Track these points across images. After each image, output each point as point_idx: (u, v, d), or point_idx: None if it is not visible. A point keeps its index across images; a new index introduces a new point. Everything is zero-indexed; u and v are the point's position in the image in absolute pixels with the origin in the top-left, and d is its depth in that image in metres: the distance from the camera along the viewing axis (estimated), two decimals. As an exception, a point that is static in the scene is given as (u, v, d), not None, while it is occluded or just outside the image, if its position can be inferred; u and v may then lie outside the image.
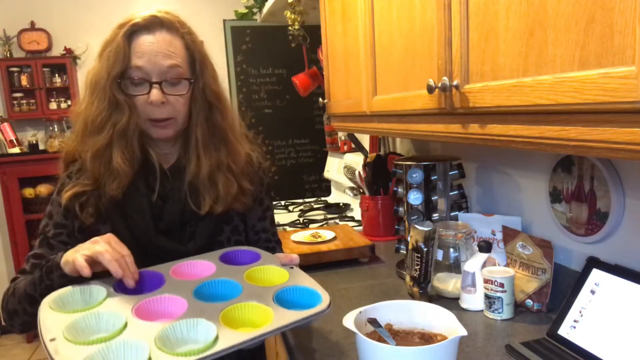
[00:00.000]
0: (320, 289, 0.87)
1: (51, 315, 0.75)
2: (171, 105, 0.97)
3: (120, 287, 0.85)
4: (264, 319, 0.78)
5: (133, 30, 0.94)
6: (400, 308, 0.98)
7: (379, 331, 0.91)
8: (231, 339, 0.72)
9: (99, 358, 0.68)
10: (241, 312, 0.80)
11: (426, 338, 0.94)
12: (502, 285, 1.13)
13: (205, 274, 0.92)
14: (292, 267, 0.95)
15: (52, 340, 0.70)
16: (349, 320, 0.89)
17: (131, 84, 0.95)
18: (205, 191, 1.03)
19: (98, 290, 0.83)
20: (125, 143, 0.97)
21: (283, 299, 0.85)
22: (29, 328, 0.94)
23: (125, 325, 0.75)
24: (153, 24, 0.95)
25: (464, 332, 0.83)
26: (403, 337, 0.95)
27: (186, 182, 1.03)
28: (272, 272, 0.93)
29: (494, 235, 1.35)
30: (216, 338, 0.72)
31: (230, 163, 1.06)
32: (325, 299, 0.84)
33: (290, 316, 0.79)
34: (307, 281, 0.90)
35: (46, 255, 0.95)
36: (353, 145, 2.31)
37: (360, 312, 0.92)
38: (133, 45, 0.94)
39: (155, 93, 0.94)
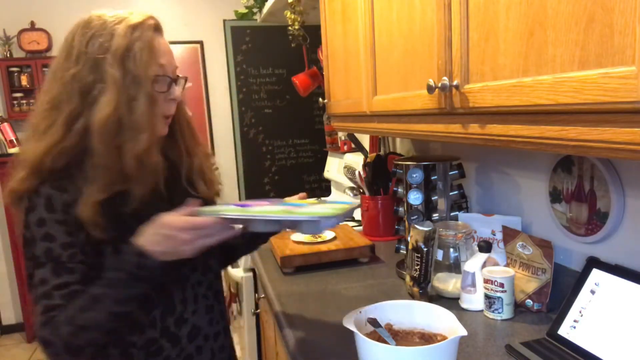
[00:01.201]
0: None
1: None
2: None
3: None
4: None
5: (154, 30, 0.97)
6: (400, 308, 0.98)
7: (379, 331, 0.91)
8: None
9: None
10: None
11: (426, 338, 0.94)
12: (502, 285, 1.13)
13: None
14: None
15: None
16: (349, 320, 0.89)
17: (156, 81, 0.96)
18: (199, 179, 1.08)
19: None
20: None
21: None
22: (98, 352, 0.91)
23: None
24: (160, 26, 1.00)
25: (464, 332, 0.83)
26: (403, 337, 0.95)
27: (183, 176, 1.06)
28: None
29: (494, 235, 1.35)
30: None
31: (206, 150, 1.13)
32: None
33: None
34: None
35: (72, 282, 0.87)
36: (353, 145, 2.31)
37: (360, 312, 0.92)
38: (156, 44, 0.96)
39: (178, 89, 0.99)
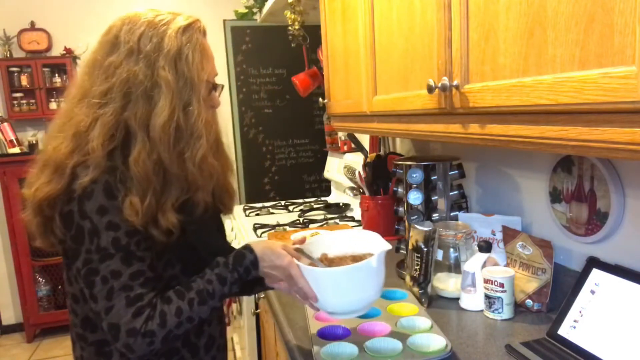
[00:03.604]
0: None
1: None
2: None
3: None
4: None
5: (203, 34, 0.95)
6: (333, 239, 1.08)
7: (313, 260, 1.00)
8: None
9: None
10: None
11: (357, 259, 1.01)
12: (502, 285, 1.13)
13: None
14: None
15: None
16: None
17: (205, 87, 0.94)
18: (224, 193, 1.06)
19: None
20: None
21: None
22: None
23: None
24: (206, 30, 0.97)
25: (387, 246, 0.95)
26: (337, 262, 1.02)
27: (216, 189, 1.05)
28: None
29: (494, 235, 1.35)
30: None
31: (232, 164, 1.11)
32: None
33: None
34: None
35: (144, 270, 0.85)
36: (353, 145, 2.30)
37: (297, 248, 1.01)
38: (206, 48, 0.94)
39: (218, 96, 0.99)
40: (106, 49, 0.89)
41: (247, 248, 0.95)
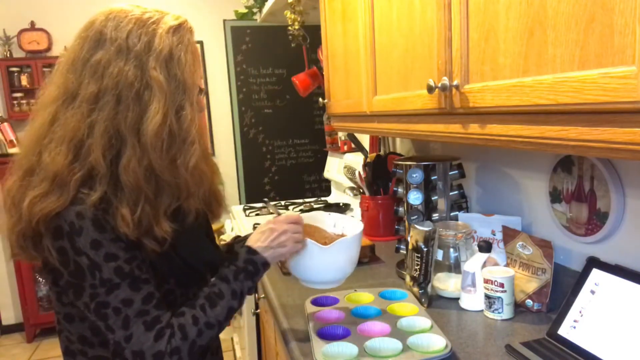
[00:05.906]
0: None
1: None
2: None
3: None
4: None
5: (192, 34, 0.91)
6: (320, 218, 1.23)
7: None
8: None
9: None
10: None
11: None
12: (502, 285, 1.13)
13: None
14: None
15: None
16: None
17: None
18: (213, 199, 1.03)
19: None
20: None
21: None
22: None
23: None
24: (194, 31, 0.94)
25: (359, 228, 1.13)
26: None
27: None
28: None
29: (494, 235, 1.35)
30: None
31: (216, 168, 1.09)
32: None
33: None
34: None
35: (153, 291, 0.84)
36: (353, 145, 2.31)
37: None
38: (197, 50, 0.92)
39: (202, 100, 0.95)
40: (90, 45, 0.82)
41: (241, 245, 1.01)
